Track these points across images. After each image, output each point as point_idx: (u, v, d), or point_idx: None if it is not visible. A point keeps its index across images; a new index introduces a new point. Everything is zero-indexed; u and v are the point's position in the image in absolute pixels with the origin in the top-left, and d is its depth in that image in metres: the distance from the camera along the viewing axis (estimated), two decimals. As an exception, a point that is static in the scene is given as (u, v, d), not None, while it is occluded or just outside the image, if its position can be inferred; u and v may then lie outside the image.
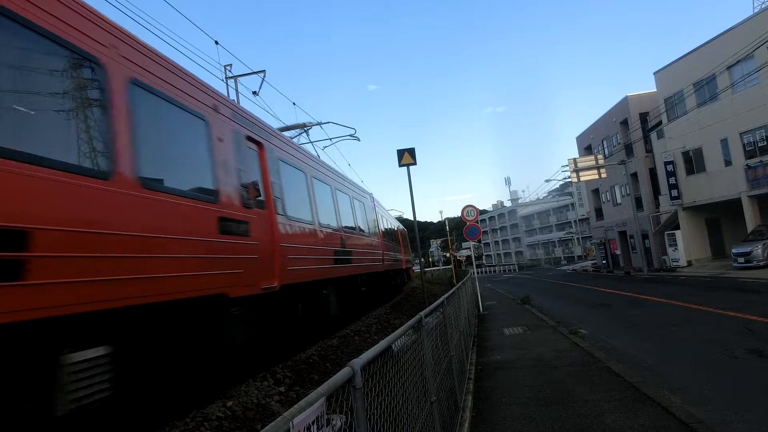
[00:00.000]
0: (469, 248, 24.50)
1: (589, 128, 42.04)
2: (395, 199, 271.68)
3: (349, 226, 12.93)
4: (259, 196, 7.21)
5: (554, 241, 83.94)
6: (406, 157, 14.22)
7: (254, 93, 15.09)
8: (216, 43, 12.96)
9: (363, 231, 14.81)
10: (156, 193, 4.96)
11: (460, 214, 18.58)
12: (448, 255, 51.90)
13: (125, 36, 5.04)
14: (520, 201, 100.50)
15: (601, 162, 33.12)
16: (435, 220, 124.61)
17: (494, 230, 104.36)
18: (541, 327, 11.96)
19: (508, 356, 8.77)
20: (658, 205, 31.96)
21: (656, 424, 4.77)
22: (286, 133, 14.70)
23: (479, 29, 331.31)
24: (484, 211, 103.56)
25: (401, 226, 28.95)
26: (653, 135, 31.44)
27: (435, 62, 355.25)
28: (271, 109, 49.88)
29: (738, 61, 23.34)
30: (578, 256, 72.90)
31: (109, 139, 4.55)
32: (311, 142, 21.25)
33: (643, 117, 32.60)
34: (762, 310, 10.92)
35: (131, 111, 4.87)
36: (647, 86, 71.51)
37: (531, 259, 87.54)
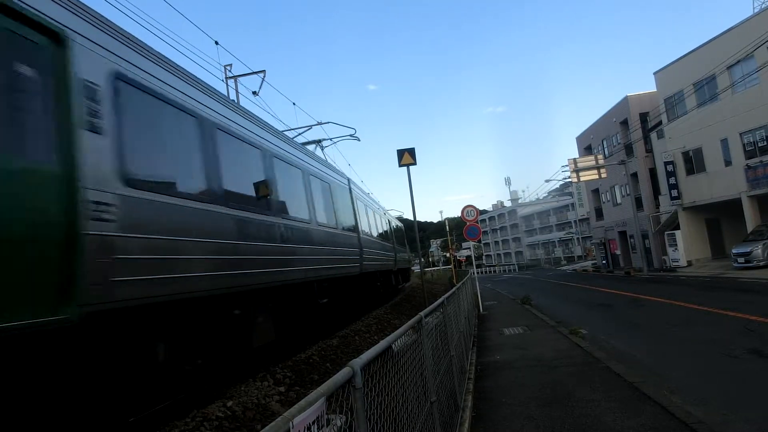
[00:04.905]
0: (469, 248, 24.50)
1: (589, 128, 42.04)
2: (395, 198, 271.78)
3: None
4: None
5: (554, 241, 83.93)
6: (406, 157, 14.23)
7: (254, 93, 15.11)
8: (216, 43, 12.97)
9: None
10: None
11: (460, 214, 18.57)
12: (448, 255, 51.91)
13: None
14: (520, 201, 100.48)
15: (601, 162, 33.12)
16: (435, 220, 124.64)
17: (494, 230, 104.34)
18: (541, 327, 11.96)
19: (508, 356, 8.77)
20: (658, 205, 31.95)
21: (656, 424, 4.76)
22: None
23: (479, 29, 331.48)
24: (484, 211, 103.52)
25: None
26: (653, 135, 31.44)
27: (435, 62, 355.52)
28: (271, 109, 49.91)
29: (738, 61, 23.34)
30: (578, 256, 72.89)
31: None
32: (311, 142, 21.22)
33: (643, 117, 32.60)
34: (762, 310, 10.91)
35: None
36: (647, 86, 71.51)
37: (531, 259, 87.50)
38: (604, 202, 41.73)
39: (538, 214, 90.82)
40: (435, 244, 75.45)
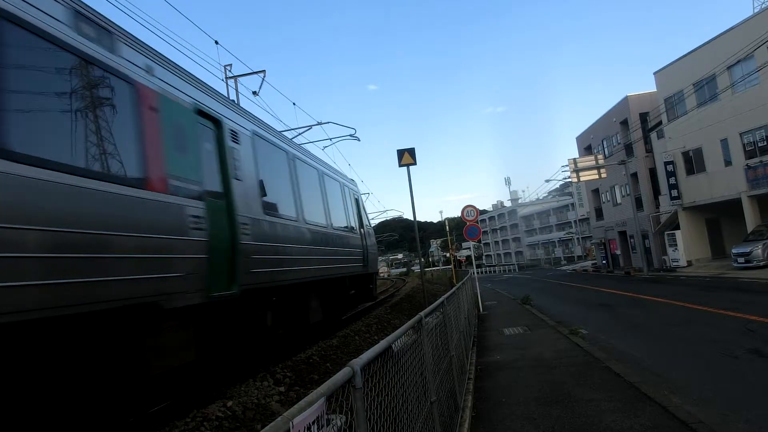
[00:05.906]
0: (469, 248, 24.53)
1: (589, 128, 42.03)
2: (395, 199, 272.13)
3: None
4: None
5: (554, 241, 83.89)
6: (406, 157, 14.22)
7: (254, 93, 15.10)
8: (216, 42, 12.96)
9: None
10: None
11: (460, 214, 18.57)
12: (448, 255, 51.91)
13: None
14: (520, 201, 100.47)
15: (601, 162, 33.11)
16: (435, 220, 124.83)
17: (494, 230, 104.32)
18: (541, 327, 11.95)
19: (508, 356, 8.77)
20: (658, 205, 31.94)
21: (656, 424, 4.76)
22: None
23: (479, 29, 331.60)
24: (484, 211, 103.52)
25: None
26: (653, 135, 31.42)
27: (435, 63, 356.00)
28: (271, 109, 49.94)
29: (738, 61, 23.33)
30: (578, 256, 72.83)
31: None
32: (311, 142, 21.30)
33: (643, 117, 32.58)
34: (762, 310, 10.92)
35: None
36: (647, 86, 71.38)
37: (531, 259, 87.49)
38: (604, 202, 41.71)
39: (538, 214, 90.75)
40: (435, 244, 75.56)
